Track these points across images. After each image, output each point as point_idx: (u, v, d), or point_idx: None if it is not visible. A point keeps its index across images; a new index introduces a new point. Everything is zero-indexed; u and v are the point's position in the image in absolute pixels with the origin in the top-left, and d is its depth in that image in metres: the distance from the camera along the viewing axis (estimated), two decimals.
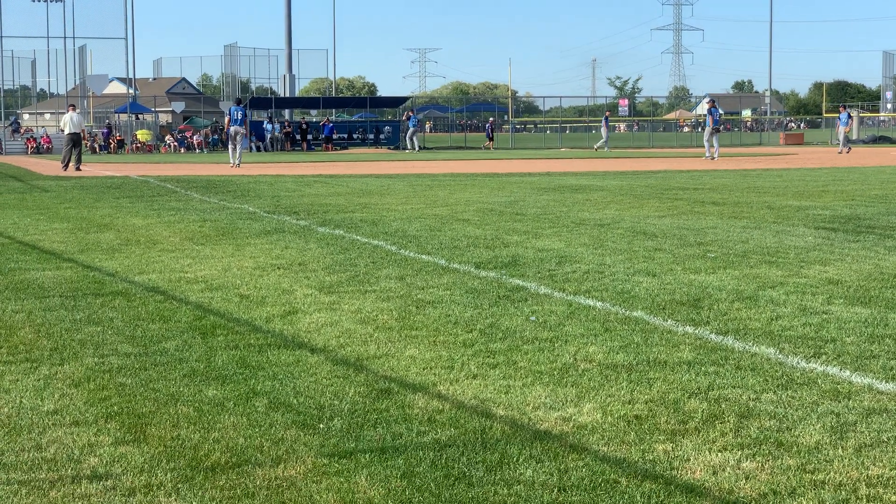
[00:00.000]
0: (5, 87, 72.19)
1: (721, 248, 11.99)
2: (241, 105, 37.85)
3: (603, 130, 63.35)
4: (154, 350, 7.05)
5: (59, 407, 5.73)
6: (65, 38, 67.03)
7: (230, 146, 36.79)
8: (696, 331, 7.46)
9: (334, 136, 66.51)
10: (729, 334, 7.33)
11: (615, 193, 20.93)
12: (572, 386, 6.06)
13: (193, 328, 7.72)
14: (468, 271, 10.35)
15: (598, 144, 61.57)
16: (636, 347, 6.97)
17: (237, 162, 36.22)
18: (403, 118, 61.27)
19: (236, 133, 36.25)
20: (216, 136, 68.76)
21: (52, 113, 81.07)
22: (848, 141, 51.56)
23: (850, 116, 53.00)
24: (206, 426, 5.33)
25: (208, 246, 12.70)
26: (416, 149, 56.20)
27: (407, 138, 60.32)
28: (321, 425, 5.33)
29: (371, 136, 67.71)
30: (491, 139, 69.19)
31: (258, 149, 62.27)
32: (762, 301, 8.56)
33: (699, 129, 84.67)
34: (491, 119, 75.14)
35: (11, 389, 6.11)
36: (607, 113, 72.37)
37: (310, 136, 65.22)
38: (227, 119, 37.55)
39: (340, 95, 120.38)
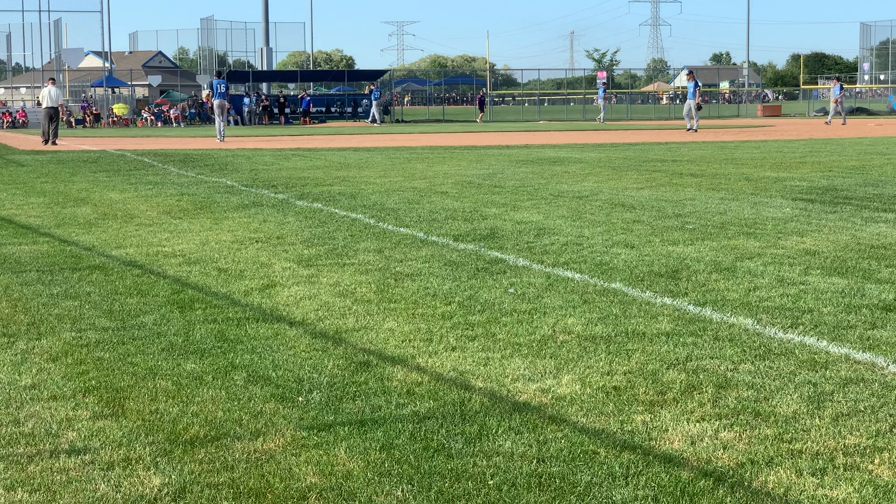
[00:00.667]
0: None
1: (699, 219, 12.02)
2: (223, 78, 37.00)
3: (602, 102, 63.51)
4: (132, 324, 7.03)
5: (37, 381, 5.71)
6: (39, 11, 66.57)
7: (217, 120, 35.91)
8: (675, 302, 7.48)
9: (312, 110, 66.28)
10: (707, 305, 7.35)
11: (593, 166, 20.95)
12: (551, 358, 6.07)
13: (171, 302, 7.70)
14: (446, 244, 10.35)
15: (601, 117, 61.49)
16: (615, 319, 6.98)
17: (222, 136, 35.36)
18: (366, 91, 59.98)
19: (221, 106, 35.54)
20: (193, 111, 68.50)
21: (27, 87, 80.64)
22: (839, 112, 51.17)
23: (842, 88, 52.75)
24: (185, 400, 5.32)
25: (186, 220, 12.66)
26: (379, 122, 55.10)
27: (373, 111, 59.24)
28: (300, 398, 5.33)
29: (349, 110, 67.55)
30: (482, 111, 69.18)
31: (235, 122, 62.07)
32: (740, 272, 8.59)
33: (677, 101, 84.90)
34: (482, 91, 75.12)
35: None
36: (604, 84, 72.33)
37: (287, 110, 65.02)
38: (207, 93, 37.21)
39: (318, 69, 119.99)
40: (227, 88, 36.34)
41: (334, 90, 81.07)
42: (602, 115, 61.21)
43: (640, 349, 6.22)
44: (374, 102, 61.32)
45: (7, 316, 7.33)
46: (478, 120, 66.50)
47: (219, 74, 37.68)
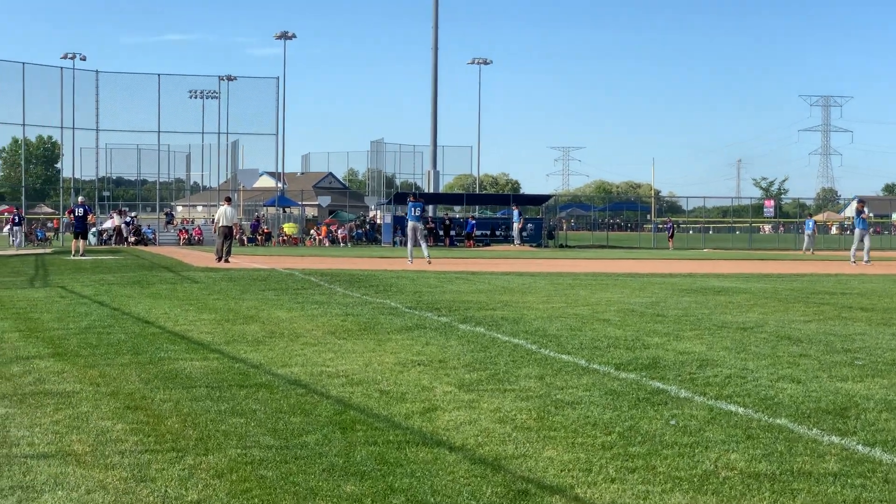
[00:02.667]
0: (161, 180, 74.47)
1: (869, 355, 11.72)
2: (420, 201, 36.05)
3: (808, 233, 63.24)
4: (295, 443, 7.14)
5: (203, 497, 5.84)
6: (218, 133, 69.12)
7: (409, 243, 35.55)
8: (843, 441, 7.29)
9: (475, 233, 66.83)
10: (877, 446, 7.14)
11: (759, 296, 20.63)
12: (713, 494, 5.97)
13: (334, 423, 7.81)
14: (608, 372, 10.29)
15: (806, 245, 61.84)
16: (779, 456, 6.84)
17: (426, 257, 34.19)
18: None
19: (414, 229, 35.20)
20: (360, 230, 69.81)
21: (203, 205, 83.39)
22: None
23: None
24: None
25: (350, 340, 12.85)
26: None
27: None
28: None
29: (524, 234, 68.06)
30: (671, 237, 68.97)
31: (401, 243, 62.98)
32: None
33: (847, 232, 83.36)
34: (670, 217, 75.04)
35: (157, 478, 6.25)
36: (809, 215, 72.11)
37: (452, 233, 65.74)
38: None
39: (484, 192, 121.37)
40: (423, 211, 35.48)
41: (499, 213, 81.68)
42: (808, 244, 61.47)
43: (806, 489, 6.07)
44: (515, 225, 62.19)
45: (177, 430, 7.53)
46: (669, 247, 66.38)
47: (415, 197, 37.20)
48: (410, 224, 35.06)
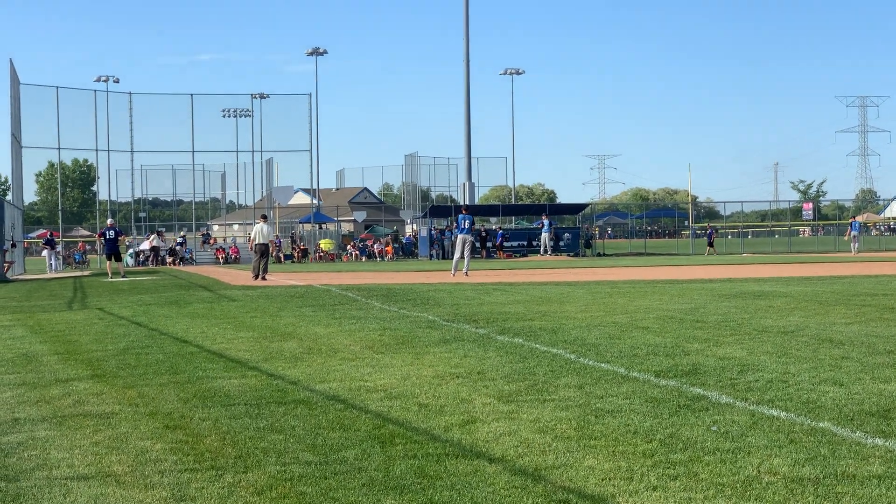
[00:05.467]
0: (196, 200, 74.87)
1: None
2: (469, 213, 35.38)
3: (854, 234, 64.50)
4: (334, 459, 7.13)
5: None
6: (252, 151, 69.43)
7: (456, 255, 35.29)
8: (887, 443, 7.20)
9: (507, 244, 66.65)
10: None
11: (799, 300, 20.48)
12: (756, 499, 5.90)
13: (372, 437, 7.79)
14: (648, 380, 10.23)
15: (855, 248, 63.28)
16: (823, 460, 6.76)
17: (466, 270, 34.51)
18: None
19: (464, 241, 34.84)
20: (397, 245, 69.93)
21: (239, 223, 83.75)
22: None
23: None
24: None
25: (388, 354, 12.83)
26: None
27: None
28: None
29: (551, 244, 67.92)
30: (711, 244, 68.58)
31: (437, 256, 63.13)
32: None
33: (886, 234, 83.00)
34: (710, 224, 74.79)
35: (197, 497, 6.24)
36: (853, 218, 72.86)
37: (489, 244, 65.67)
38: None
39: (519, 203, 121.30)
40: (472, 223, 35.31)
41: (536, 224, 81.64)
42: (854, 246, 62.99)
43: (851, 492, 6.00)
44: (544, 235, 62.25)
45: (216, 448, 7.52)
46: (707, 253, 66.16)
47: (466, 209, 37.08)
48: (461, 237, 34.96)
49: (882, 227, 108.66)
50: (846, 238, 65.24)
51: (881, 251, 66.13)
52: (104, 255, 42.28)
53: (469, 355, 12.51)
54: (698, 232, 77.04)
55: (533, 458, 7.04)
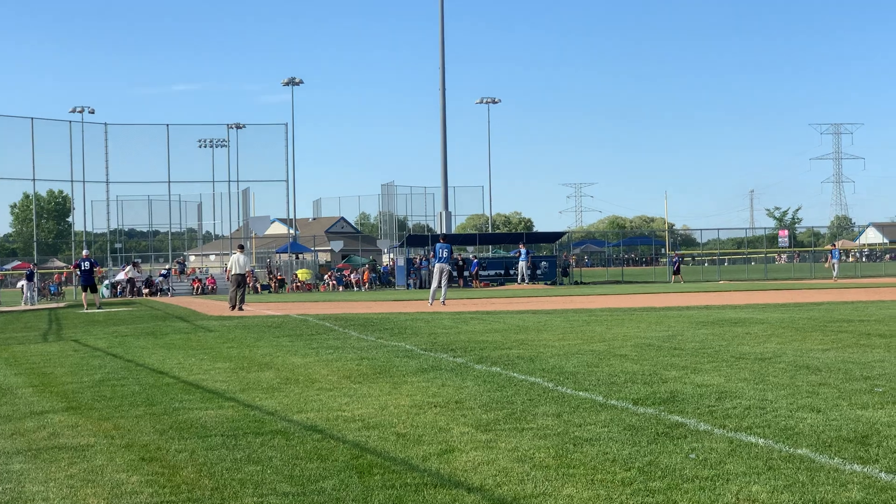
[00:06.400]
0: (173, 230, 74.70)
1: (889, 382, 11.63)
2: (447, 242, 35.45)
3: (835, 262, 65.39)
4: (312, 489, 7.09)
5: None
6: (229, 181, 69.39)
7: (434, 284, 35.41)
8: (865, 469, 7.20)
9: (484, 273, 66.63)
10: None
11: (776, 326, 20.52)
12: None
13: (350, 467, 7.75)
14: (626, 408, 10.22)
15: (836, 274, 63.86)
16: (801, 487, 6.76)
17: (443, 300, 34.85)
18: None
19: (441, 270, 34.89)
20: (374, 275, 69.88)
21: (216, 254, 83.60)
22: None
23: None
24: None
25: (365, 384, 12.79)
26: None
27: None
28: None
29: (528, 272, 67.93)
30: (677, 272, 68.42)
31: (414, 285, 63.09)
32: None
33: (864, 260, 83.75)
34: (676, 253, 75.00)
35: None
36: (833, 245, 74.16)
37: (466, 273, 65.65)
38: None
39: (497, 231, 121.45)
40: (451, 253, 35.35)
41: (513, 252, 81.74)
42: (835, 272, 63.75)
43: None
44: (521, 263, 62.45)
45: (192, 480, 7.47)
46: (671, 281, 66.20)
47: (444, 238, 37.15)
48: (438, 266, 34.96)
49: (858, 254, 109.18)
50: (827, 265, 65.85)
51: (857, 277, 66.44)
52: (80, 287, 42.07)
53: (447, 384, 12.48)
54: (674, 259, 77.24)
55: (511, 486, 7.01)
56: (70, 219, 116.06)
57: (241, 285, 35.47)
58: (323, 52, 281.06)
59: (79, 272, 42.21)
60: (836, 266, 64.21)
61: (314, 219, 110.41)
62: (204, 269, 77.76)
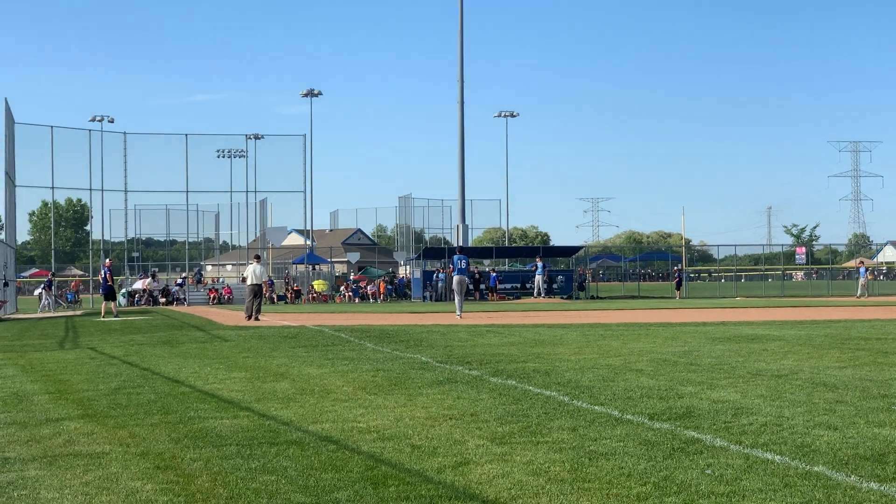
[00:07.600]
0: (190, 240, 74.85)
1: None
2: (464, 254, 36.02)
3: (861, 280, 65.55)
4: (326, 500, 7.08)
5: None
6: (247, 192, 69.38)
7: (457, 297, 35.58)
8: (882, 487, 7.17)
9: (500, 286, 66.64)
10: None
11: (793, 343, 20.46)
12: None
13: (365, 478, 7.74)
14: (642, 422, 10.19)
15: (860, 293, 63.93)
16: None
17: (459, 312, 35.08)
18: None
19: (461, 282, 35.18)
20: (390, 286, 69.84)
21: (233, 264, 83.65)
22: None
23: None
24: None
25: (380, 395, 12.78)
26: (543, 296, 34.45)
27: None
28: None
29: (545, 286, 67.85)
30: (678, 288, 68.22)
31: (430, 297, 63.06)
32: None
33: (881, 278, 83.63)
34: (677, 268, 74.79)
35: None
36: (861, 263, 74.11)
37: (482, 286, 65.60)
38: (450, 269, 36.95)
39: (513, 245, 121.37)
40: (468, 264, 35.51)
41: (529, 266, 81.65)
42: (860, 291, 64.00)
43: None
44: (537, 277, 62.31)
45: (207, 489, 7.47)
46: (676, 297, 66.00)
47: (461, 250, 37.29)
48: (457, 278, 35.04)
49: (875, 272, 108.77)
50: (862, 283, 65.40)
51: (875, 295, 66.22)
52: (103, 294, 42.11)
53: (462, 397, 12.46)
54: (691, 276, 77.06)
55: (526, 500, 6.99)
56: (88, 227, 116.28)
57: (257, 295, 35.54)
58: (342, 65, 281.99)
59: (101, 280, 42.23)
60: (863, 285, 64.38)
61: (331, 230, 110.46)
62: (220, 279, 77.86)
